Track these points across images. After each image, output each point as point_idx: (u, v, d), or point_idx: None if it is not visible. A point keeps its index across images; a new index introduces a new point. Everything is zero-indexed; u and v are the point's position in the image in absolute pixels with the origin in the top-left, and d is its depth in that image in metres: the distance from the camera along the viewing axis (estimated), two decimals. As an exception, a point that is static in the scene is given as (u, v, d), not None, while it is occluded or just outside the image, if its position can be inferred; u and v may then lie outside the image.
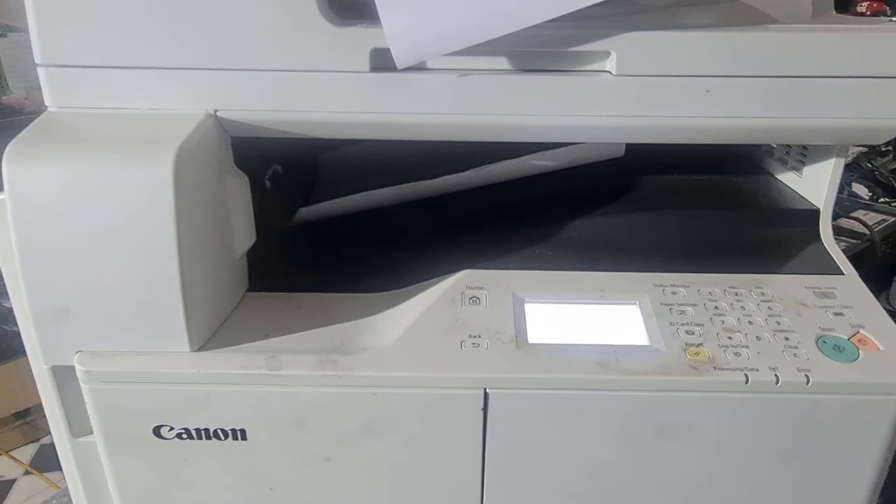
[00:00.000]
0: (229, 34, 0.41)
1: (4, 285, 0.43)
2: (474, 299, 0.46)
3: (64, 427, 0.46)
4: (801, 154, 0.56)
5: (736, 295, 0.47)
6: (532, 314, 0.46)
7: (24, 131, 0.41)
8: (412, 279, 0.49)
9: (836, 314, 0.45)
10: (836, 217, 1.07)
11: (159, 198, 0.39)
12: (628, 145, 0.56)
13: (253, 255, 0.49)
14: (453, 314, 0.45)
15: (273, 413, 0.43)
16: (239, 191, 0.46)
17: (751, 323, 0.45)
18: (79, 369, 0.42)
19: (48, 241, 0.39)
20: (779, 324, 0.44)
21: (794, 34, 0.42)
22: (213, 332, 0.44)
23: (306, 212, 0.55)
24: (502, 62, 0.43)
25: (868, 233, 1.00)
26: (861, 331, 0.44)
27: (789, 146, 0.58)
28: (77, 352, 0.42)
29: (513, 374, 0.42)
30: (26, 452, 2.10)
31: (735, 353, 0.42)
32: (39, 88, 0.45)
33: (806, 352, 0.43)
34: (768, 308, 0.46)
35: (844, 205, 1.18)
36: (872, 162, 1.96)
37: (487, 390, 0.42)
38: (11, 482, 2.02)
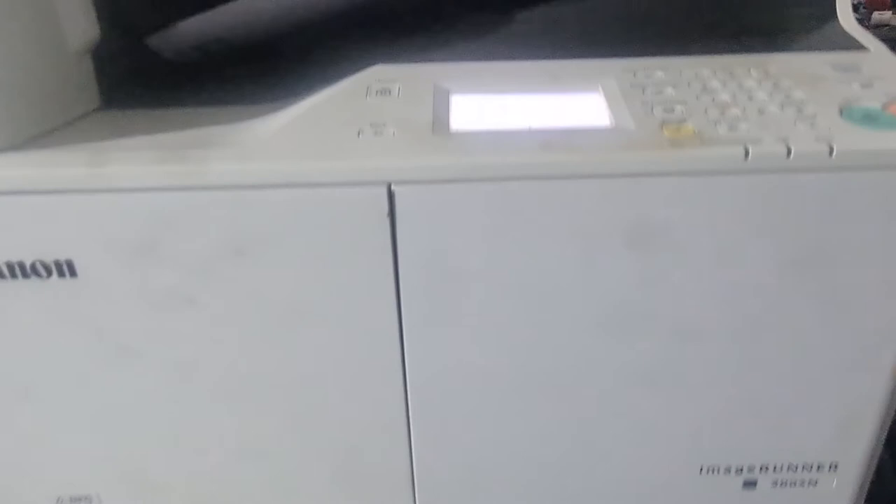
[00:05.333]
0: None
1: None
2: (384, 91, 0.35)
3: None
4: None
5: (731, 74, 0.35)
6: (458, 105, 0.34)
7: None
8: (308, 86, 0.37)
9: (865, 86, 0.34)
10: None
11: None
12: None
13: (110, 68, 0.38)
14: (353, 107, 0.34)
15: (105, 236, 0.32)
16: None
17: (750, 98, 0.33)
18: None
19: None
20: (788, 97, 0.33)
21: None
22: (29, 138, 0.33)
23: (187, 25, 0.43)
24: None
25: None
26: (899, 100, 0.33)
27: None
28: None
29: (425, 161, 0.30)
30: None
31: (730, 128, 0.31)
32: None
33: (827, 123, 0.31)
34: (773, 84, 0.34)
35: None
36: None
37: (392, 186, 0.30)
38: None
